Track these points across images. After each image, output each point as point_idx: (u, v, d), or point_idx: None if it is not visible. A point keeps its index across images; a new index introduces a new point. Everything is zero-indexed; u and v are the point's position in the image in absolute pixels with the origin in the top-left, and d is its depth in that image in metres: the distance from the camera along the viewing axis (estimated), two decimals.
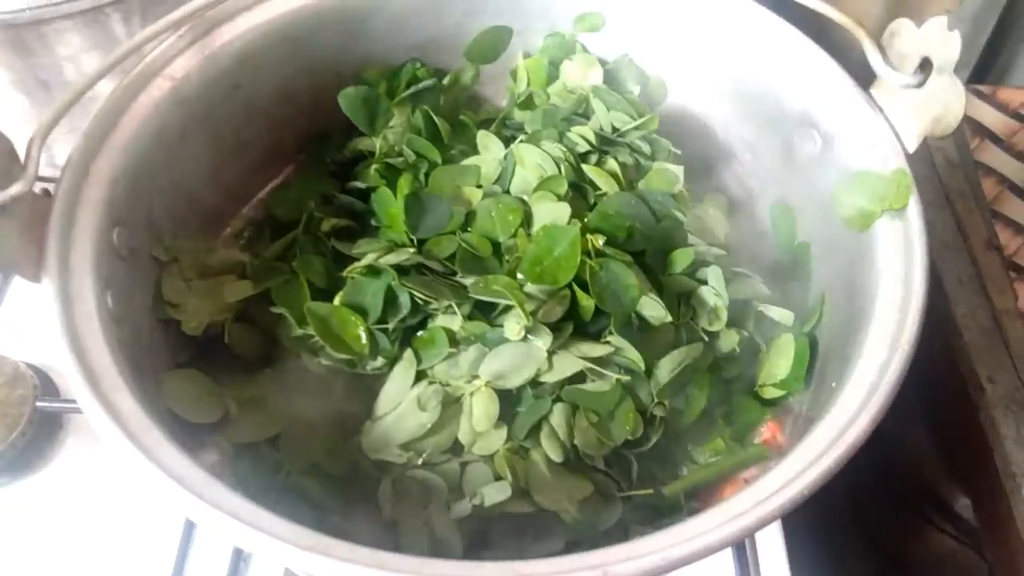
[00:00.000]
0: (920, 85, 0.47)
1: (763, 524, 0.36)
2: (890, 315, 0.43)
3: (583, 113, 0.61)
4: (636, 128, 0.59)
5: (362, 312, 0.49)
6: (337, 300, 0.50)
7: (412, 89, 0.59)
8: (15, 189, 0.42)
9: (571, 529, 0.46)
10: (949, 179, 0.96)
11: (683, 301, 0.52)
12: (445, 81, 0.61)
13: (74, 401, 0.41)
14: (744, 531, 0.36)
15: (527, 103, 0.63)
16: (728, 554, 0.56)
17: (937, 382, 0.85)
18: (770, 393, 0.52)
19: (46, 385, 0.62)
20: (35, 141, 0.44)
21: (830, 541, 1.21)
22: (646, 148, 0.59)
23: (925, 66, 0.47)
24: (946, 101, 0.46)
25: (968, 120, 0.99)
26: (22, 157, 0.43)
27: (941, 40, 0.46)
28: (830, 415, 0.40)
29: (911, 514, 1.13)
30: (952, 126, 0.46)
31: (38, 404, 0.59)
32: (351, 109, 0.58)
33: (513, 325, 0.46)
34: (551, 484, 0.46)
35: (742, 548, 0.56)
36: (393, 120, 0.58)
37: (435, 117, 0.57)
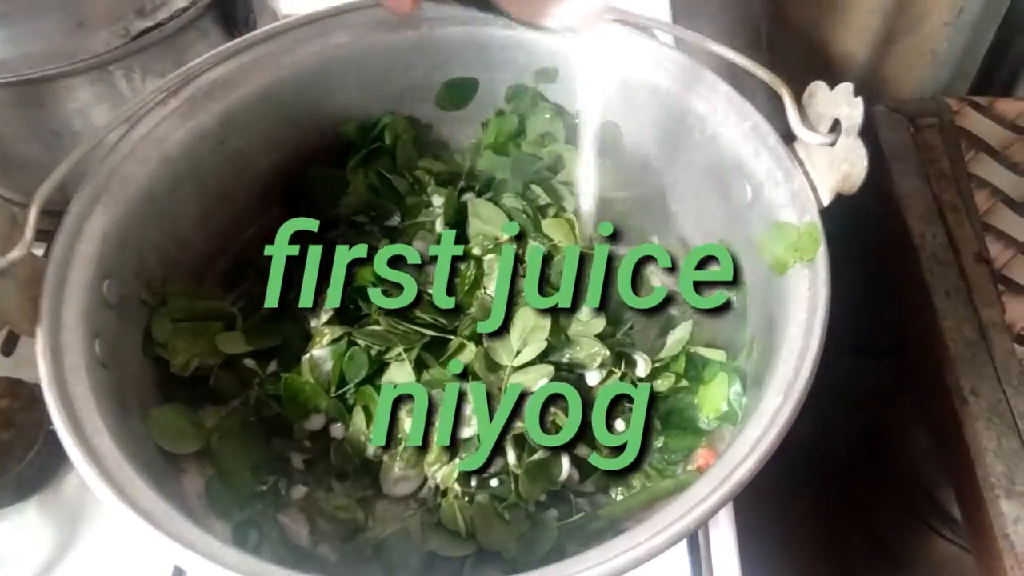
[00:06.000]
0: (833, 144, 0.51)
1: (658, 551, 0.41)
2: (790, 362, 0.46)
3: (552, 168, 0.66)
4: None
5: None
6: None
7: (360, 155, 0.65)
8: (14, 254, 0.47)
9: (509, 560, 0.51)
10: (942, 192, 0.96)
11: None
12: (387, 141, 0.66)
13: None
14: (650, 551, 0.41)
15: (500, 149, 0.68)
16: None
17: (929, 393, 0.87)
18: (708, 425, 0.57)
19: None
20: (32, 209, 0.50)
21: (835, 542, 1.24)
22: None
23: (837, 127, 0.51)
24: (851, 161, 0.49)
25: (963, 132, 1.00)
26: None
27: (848, 104, 0.49)
28: (729, 452, 0.44)
29: (913, 518, 1.15)
30: (856, 185, 0.49)
31: (51, 427, 0.65)
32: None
33: None
34: (495, 527, 0.51)
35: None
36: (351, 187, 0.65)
37: (389, 177, 0.63)
